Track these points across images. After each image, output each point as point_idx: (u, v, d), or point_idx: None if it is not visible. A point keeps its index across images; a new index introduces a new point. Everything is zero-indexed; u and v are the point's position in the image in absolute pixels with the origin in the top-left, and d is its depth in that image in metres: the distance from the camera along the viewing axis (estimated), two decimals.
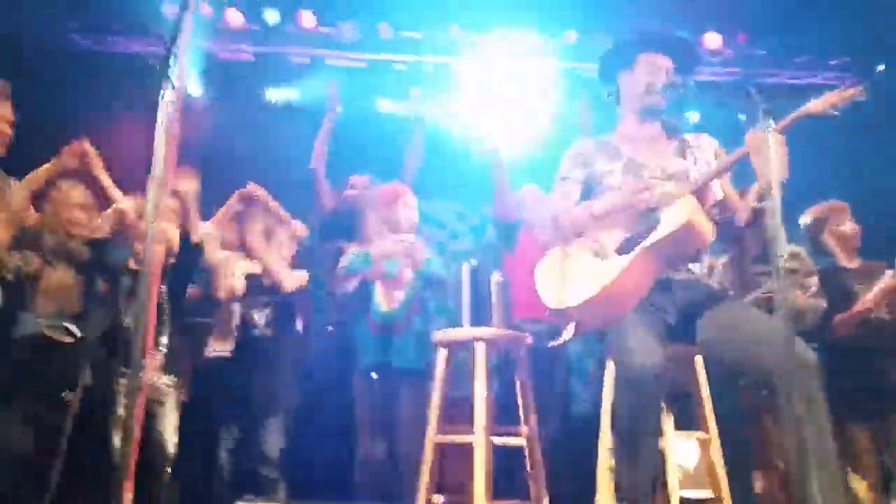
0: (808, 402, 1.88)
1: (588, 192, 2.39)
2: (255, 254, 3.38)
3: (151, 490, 3.01)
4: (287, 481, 3.07)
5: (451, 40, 5.34)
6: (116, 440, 2.92)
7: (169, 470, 3.04)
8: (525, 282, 2.93)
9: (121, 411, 2.98)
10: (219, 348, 3.52)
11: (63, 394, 2.74)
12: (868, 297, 3.08)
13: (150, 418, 3.08)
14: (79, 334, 3.04)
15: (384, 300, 3.24)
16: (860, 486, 3.03)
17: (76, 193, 3.13)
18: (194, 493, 3.20)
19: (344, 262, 3.39)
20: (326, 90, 4.12)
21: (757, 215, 2.17)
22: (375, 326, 3.23)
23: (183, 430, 3.09)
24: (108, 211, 3.27)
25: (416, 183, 3.75)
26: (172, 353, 3.20)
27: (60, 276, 3.01)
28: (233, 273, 3.44)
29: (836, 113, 2.03)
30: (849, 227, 3.29)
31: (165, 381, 3.14)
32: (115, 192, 3.31)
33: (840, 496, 1.92)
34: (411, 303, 3.25)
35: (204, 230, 3.34)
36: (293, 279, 3.38)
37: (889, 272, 3.06)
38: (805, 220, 3.39)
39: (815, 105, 2.04)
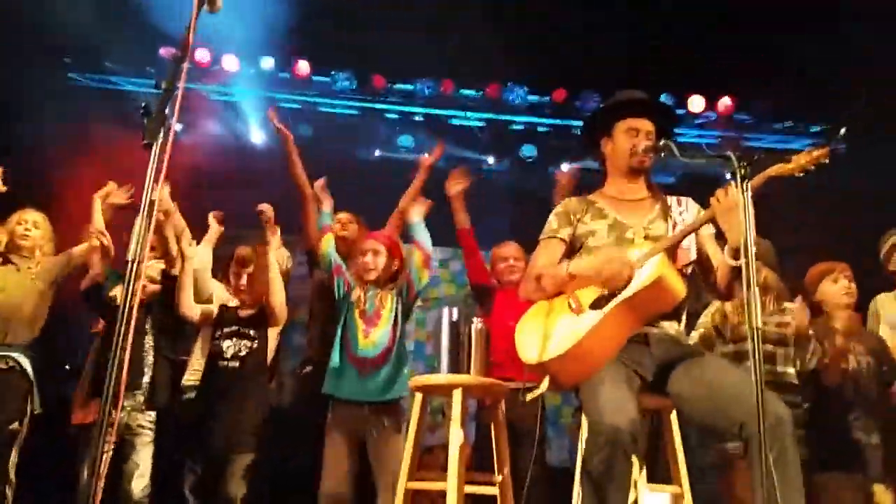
0: (778, 456, 1.88)
1: (573, 250, 2.44)
2: (272, 272, 3.34)
3: None
4: None
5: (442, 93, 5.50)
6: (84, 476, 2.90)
7: None
8: (501, 345, 2.98)
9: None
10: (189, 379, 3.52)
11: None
12: (837, 341, 3.13)
13: (122, 456, 3.06)
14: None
15: (362, 333, 3.21)
16: None
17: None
18: None
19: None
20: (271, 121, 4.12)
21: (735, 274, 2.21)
22: (355, 360, 3.17)
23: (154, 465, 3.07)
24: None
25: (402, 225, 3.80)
26: (153, 388, 3.19)
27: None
28: (209, 296, 3.44)
29: (802, 174, 2.10)
30: (846, 282, 3.33)
31: (144, 418, 3.12)
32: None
33: None
34: (391, 333, 3.21)
35: (191, 251, 3.36)
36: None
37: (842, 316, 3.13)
38: (811, 276, 3.44)
39: (783, 167, 2.10)
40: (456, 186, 3.91)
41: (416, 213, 3.42)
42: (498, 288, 3.83)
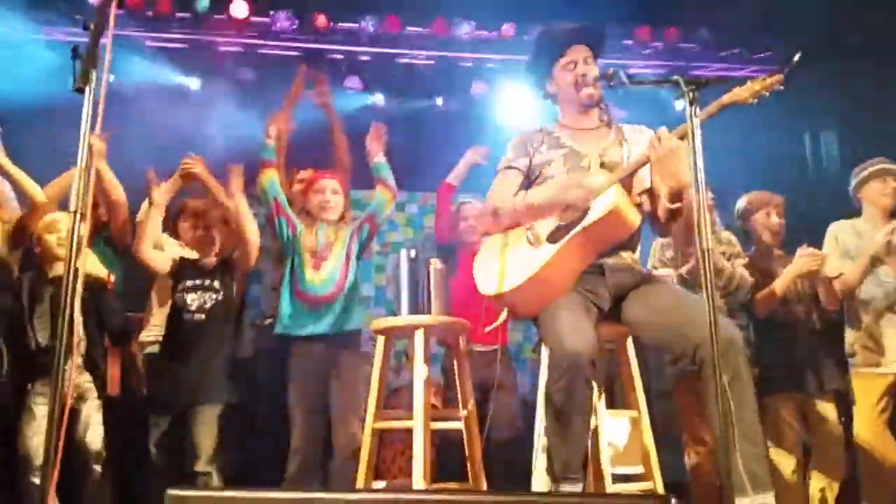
0: (732, 377, 1.95)
1: (531, 180, 2.44)
2: (238, 201, 3.21)
3: (83, 489, 2.95)
4: (222, 472, 3.02)
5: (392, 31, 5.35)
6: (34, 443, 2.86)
7: (98, 468, 2.98)
8: (462, 305, 2.98)
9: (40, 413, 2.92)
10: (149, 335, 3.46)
11: None
12: (781, 278, 3.23)
13: (72, 417, 3.01)
14: None
15: (312, 270, 3.18)
16: (784, 461, 3.16)
17: None
18: (126, 486, 3.14)
19: None
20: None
21: (674, 213, 2.25)
22: (303, 296, 3.15)
23: (112, 424, 3.03)
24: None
25: (353, 173, 3.73)
26: (91, 349, 3.12)
27: None
28: (161, 249, 3.35)
29: (756, 101, 2.12)
30: (776, 218, 3.41)
31: (85, 378, 3.06)
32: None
33: (764, 470, 2.01)
34: (340, 267, 3.19)
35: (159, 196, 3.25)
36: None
37: (800, 253, 3.21)
38: (738, 205, 3.51)
39: (737, 94, 2.12)
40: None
41: (379, 152, 3.37)
42: (459, 248, 3.81)
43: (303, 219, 3.30)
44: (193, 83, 5.35)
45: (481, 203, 3.78)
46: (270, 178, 3.31)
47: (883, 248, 3.18)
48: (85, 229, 1.73)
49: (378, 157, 3.36)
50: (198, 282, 3.19)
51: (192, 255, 3.38)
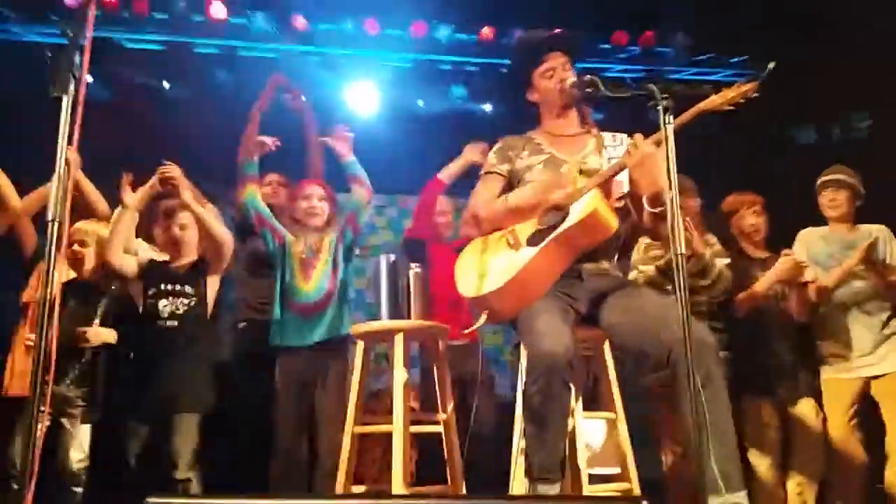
0: (706, 379, 1.98)
1: (512, 186, 2.48)
2: (196, 209, 3.18)
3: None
4: (202, 478, 3.00)
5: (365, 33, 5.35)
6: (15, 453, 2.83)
7: (79, 489, 2.95)
8: (441, 300, 2.98)
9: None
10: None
11: None
12: (763, 279, 3.29)
13: (60, 429, 2.99)
14: None
15: (302, 279, 3.19)
16: (761, 462, 3.21)
17: None
18: (104, 495, 3.11)
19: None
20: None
21: (659, 217, 2.27)
22: (296, 307, 3.17)
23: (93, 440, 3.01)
24: None
25: (333, 175, 3.73)
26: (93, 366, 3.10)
27: None
28: (133, 252, 3.31)
29: (732, 108, 2.15)
30: (752, 219, 3.46)
31: (74, 394, 3.03)
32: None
33: (737, 471, 2.03)
34: (329, 273, 3.21)
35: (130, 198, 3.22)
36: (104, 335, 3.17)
37: (783, 256, 3.26)
38: (722, 208, 3.56)
39: (712, 101, 2.13)
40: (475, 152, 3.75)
41: (348, 153, 3.37)
42: (431, 242, 3.80)
43: (290, 227, 3.29)
44: (170, 85, 5.31)
45: (448, 201, 3.84)
46: (251, 194, 3.31)
47: (859, 260, 3.25)
48: (65, 237, 1.72)
49: (348, 157, 3.37)
50: (169, 286, 3.16)
51: (164, 257, 3.35)
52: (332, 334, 3.14)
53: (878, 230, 3.44)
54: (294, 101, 3.83)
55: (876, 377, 3.31)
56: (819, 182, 3.53)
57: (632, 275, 3.11)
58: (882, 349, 3.31)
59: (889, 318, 3.35)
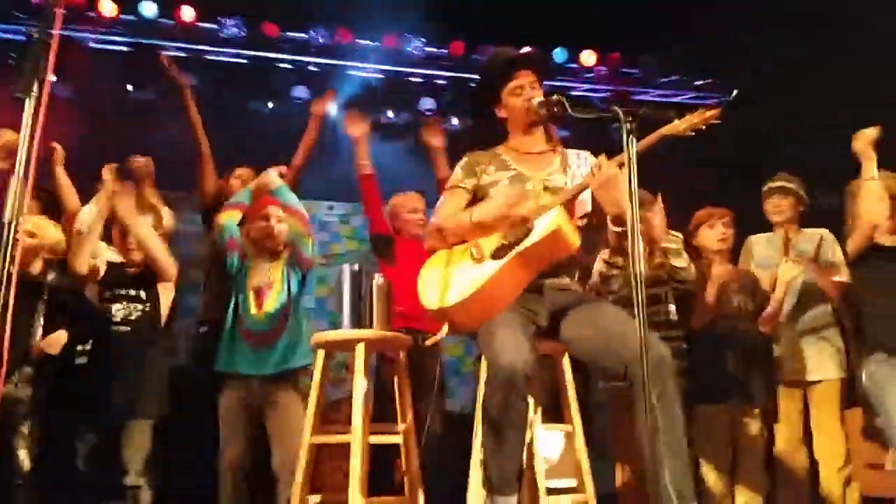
0: (661, 394, 2.02)
1: (477, 201, 2.49)
2: (133, 229, 3.12)
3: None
4: (152, 488, 2.96)
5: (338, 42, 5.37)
6: None
7: (20, 482, 2.88)
8: (407, 297, 2.99)
9: None
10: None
11: None
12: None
13: (10, 428, 2.92)
14: None
15: (255, 307, 3.11)
16: (711, 475, 3.27)
17: None
18: (53, 500, 3.04)
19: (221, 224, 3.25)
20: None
21: (621, 237, 2.32)
22: (247, 336, 3.10)
23: (39, 438, 2.93)
24: None
25: (298, 181, 3.73)
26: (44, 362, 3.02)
27: None
28: (96, 254, 3.25)
29: (693, 133, 2.21)
30: (718, 228, 3.52)
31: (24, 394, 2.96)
32: None
33: (690, 486, 2.07)
34: (285, 305, 3.13)
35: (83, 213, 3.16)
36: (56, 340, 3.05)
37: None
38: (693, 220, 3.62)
39: (675, 126, 2.18)
40: (357, 129, 3.82)
41: (275, 177, 3.28)
42: (401, 239, 3.80)
43: (247, 247, 3.22)
44: (136, 87, 5.25)
45: (417, 196, 3.85)
46: (232, 220, 3.24)
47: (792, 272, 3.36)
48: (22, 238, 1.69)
49: (275, 180, 3.28)
50: (122, 291, 3.11)
51: (119, 258, 3.30)
52: (282, 367, 3.06)
53: (821, 233, 3.60)
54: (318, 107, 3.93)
55: (811, 383, 3.44)
56: (764, 189, 3.69)
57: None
58: (820, 356, 3.44)
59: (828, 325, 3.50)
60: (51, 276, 3.12)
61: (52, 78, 1.85)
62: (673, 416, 2.08)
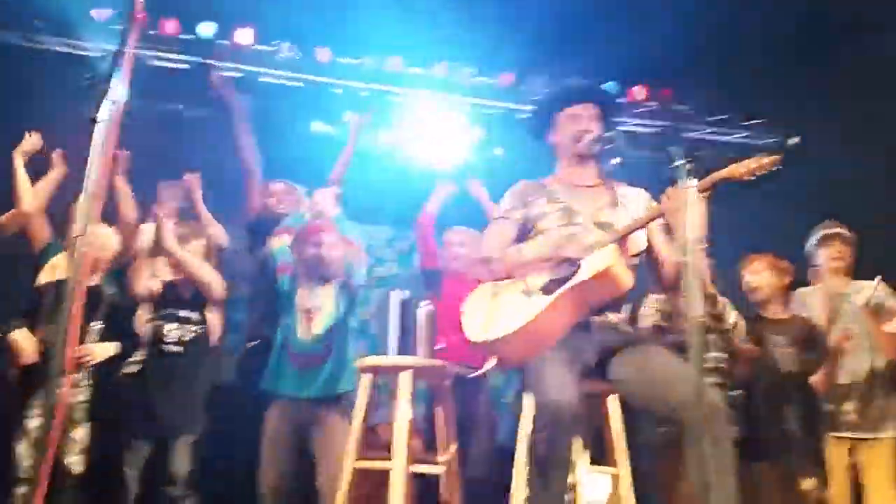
0: (713, 442, 1.96)
1: (524, 232, 2.48)
2: (174, 253, 3.21)
3: None
4: (197, 498, 2.98)
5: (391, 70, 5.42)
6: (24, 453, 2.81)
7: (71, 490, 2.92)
8: (450, 330, 2.98)
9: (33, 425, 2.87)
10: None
11: None
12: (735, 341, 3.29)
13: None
14: None
15: (303, 327, 3.15)
16: None
17: None
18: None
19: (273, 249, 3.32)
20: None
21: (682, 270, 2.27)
22: (294, 357, 3.13)
23: (90, 448, 2.98)
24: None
25: (345, 205, 3.76)
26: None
27: None
28: (153, 274, 3.33)
29: (753, 178, 2.17)
30: (754, 278, 3.46)
31: (80, 396, 3.02)
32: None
33: None
34: (333, 328, 3.16)
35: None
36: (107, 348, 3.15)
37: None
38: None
39: (733, 170, 2.16)
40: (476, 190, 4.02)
41: (333, 204, 3.34)
42: (444, 273, 3.83)
43: (303, 272, 3.25)
44: (192, 106, 5.37)
45: (467, 231, 3.87)
46: (284, 244, 3.31)
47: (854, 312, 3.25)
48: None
49: (334, 208, 3.35)
50: (177, 312, 3.17)
51: (174, 277, 3.36)
52: (328, 392, 3.08)
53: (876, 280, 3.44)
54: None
55: (862, 440, 3.30)
56: (819, 236, 3.54)
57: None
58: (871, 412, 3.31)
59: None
60: (111, 291, 3.20)
61: (125, 97, 1.90)
62: (725, 466, 2.02)
